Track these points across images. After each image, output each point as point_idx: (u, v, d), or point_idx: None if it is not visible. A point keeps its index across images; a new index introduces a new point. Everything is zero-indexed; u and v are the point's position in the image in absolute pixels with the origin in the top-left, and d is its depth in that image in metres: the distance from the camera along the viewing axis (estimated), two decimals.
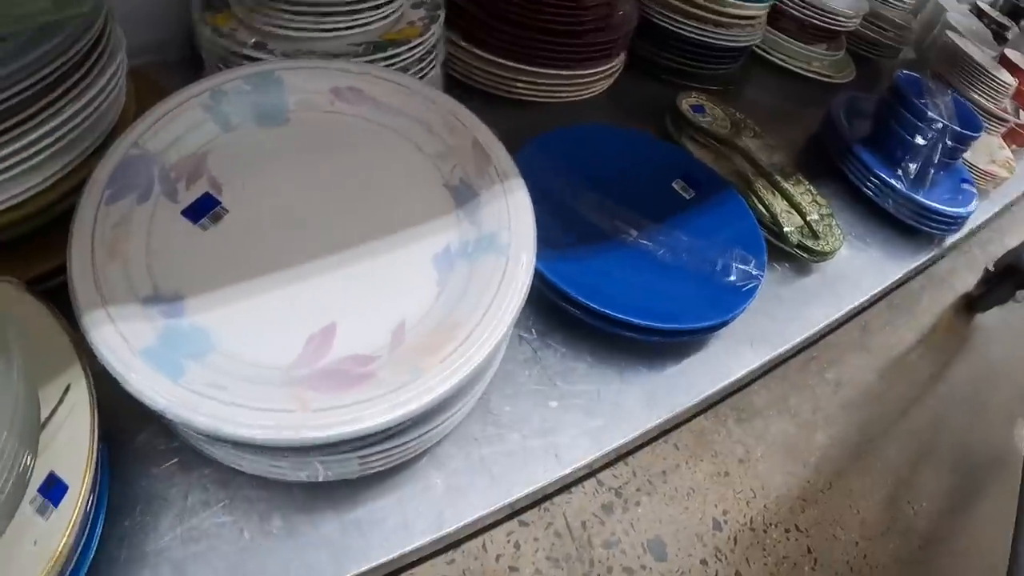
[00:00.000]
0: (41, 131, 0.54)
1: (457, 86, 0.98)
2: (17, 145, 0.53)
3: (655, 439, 0.82)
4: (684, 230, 0.84)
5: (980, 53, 1.48)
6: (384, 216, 0.58)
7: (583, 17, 0.95)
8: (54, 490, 0.46)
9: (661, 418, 0.72)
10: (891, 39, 1.63)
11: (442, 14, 0.86)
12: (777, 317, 0.89)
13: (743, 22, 1.17)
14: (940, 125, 1.09)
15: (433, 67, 0.85)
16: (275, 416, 0.45)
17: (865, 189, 1.13)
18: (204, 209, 0.56)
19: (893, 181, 1.10)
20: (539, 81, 0.97)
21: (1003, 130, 1.48)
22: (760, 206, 0.94)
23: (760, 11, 1.19)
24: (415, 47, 0.78)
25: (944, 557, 0.92)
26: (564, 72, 0.98)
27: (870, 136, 1.17)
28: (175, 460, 0.58)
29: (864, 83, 1.51)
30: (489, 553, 0.70)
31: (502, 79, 0.97)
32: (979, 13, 1.94)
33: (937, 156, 1.11)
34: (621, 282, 0.75)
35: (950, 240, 1.22)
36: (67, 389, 0.49)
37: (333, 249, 0.56)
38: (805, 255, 0.94)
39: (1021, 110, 1.51)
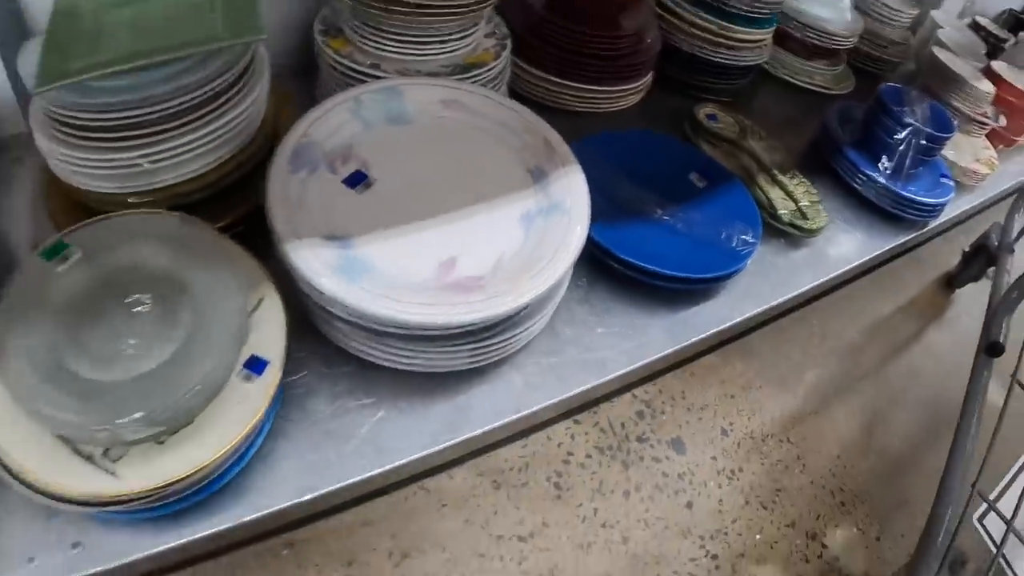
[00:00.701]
0: (216, 124, 0.81)
1: (519, 99, 1.25)
2: (199, 134, 0.80)
3: (675, 366, 1.09)
4: (698, 210, 1.11)
5: (964, 65, 1.71)
6: (485, 189, 0.86)
7: (619, 44, 1.23)
8: (257, 366, 0.73)
9: (679, 345, 0.99)
10: (889, 55, 1.88)
11: (509, 43, 1.14)
12: (772, 280, 1.15)
13: (750, 45, 1.43)
14: (914, 128, 1.35)
15: (502, 84, 1.13)
16: (420, 308, 0.73)
17: (853, 183, 1.39)
18: (357, 180, 0.84)
19: (875, 175, 1.36)
20: (584, 95, 1.26)
21: (986, 131, 1.72)
22: (760, 193, 1.21)
23: (765, 35, 1.46)
24: (490, 68, 1.06)
25: (912, 476, 1.18)
26: (604, 88, 1.26)
27: (858, 139, 1.42)
28: (329, 362, 0.85)
29: (865, 94, 1.75)
30: (552, 441, 0.98)
31: (555, 93, 1.25)
32: (976, 27, 2.18)
33: (911, 153, 1.36)
34: (649, 244, 1.02)
35: (932, 225, 1.46)
36: (260, 300, 0.76)
37: (450, 209, 0.84)
38: (796, 232, 1.20)
39: (1002, 115, 1.75)
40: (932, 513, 0.92)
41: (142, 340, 0.69)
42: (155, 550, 0.69)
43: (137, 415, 0.62)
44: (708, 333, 1.02)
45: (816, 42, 1.64)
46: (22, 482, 0.62)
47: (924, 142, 1.36)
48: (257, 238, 0.80)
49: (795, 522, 1.04)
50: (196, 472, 0.65)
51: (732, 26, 1.38)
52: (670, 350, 0.98)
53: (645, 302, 1.01)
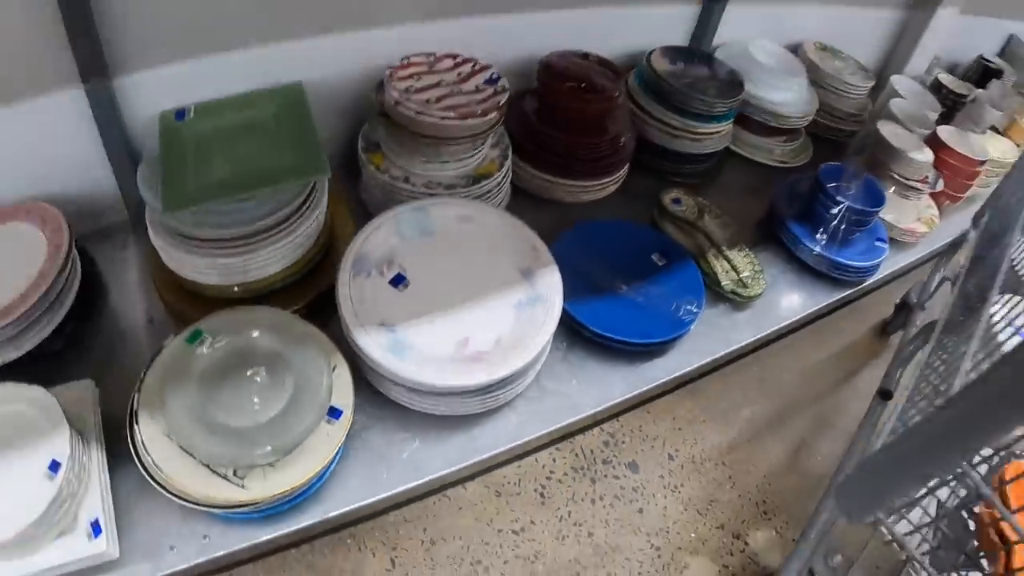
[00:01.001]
0: (294, 233, 1.19)
1: (520, 192, 1.63)
2: (282, 242, 1.18)
3: (634, 407, 1.46)
4: (655, 285, 1.47)
5: (908, 138, 1.96)
6: (488, 285, 1.24)
7: (599, 148, 1.61)
8: (335, 413, 1.11)
9: (634, 392, 1.35)
10: (846, 125, 2.21)
11: (510, 152, 1.52)
12: (715, 337, 1.50)
13: (712, 136, 1.80)
14: (845, 205, 1.68)
15: (506, 183, 1.51)
16: (445, 375, 1.11)
17: (795, 251, 1.73)
18: (398, 281, 1.22)
19: (812, 245, 1.69)
20: (572, 188, 1.63)
21: (925, 194, 2.02)
22: (708, 266, 1.57)
23: (724, 127, 1.82)
24: (495, 178, 1.45)
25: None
26: (587, 182, 1.63)
27: (800, 212, 1.75)
28: (380, 408, 1.23)
29: (824, 161, 2.07)
30: (539, 463, 1.36)
31: (548, 187, 1.63)
32: (937, 87, 2.41)
33: (845, 225, 1.69)
34: (614, 315, 1.38)
35: (868, 282, 1.78)
36: (335, 367, 1.14)
37: (464, 301, 1.21)
38: (737, 298, 1.56)
39: (940, 179, 2.04)
40: (814, 512, 1.28)
41: (261, 399, 1.07)
42: (262, 539, 1.07)
43: (266, 449, 1.01)
44: (657, 383, 1.38)
45: (773, 124, 1.97)
46: (174, 493, 1.00)
47: (855, 216, 1.69)
48: (323, 314, 1.20)
49: (724, 525, 1.41)
50: (296, 486, 1.03)
51: (694, 123, 1.74)
52: (628, 395, 1.35)
53: (610, 359, 1.38)
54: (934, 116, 2.12)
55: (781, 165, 2.04)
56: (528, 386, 1.28)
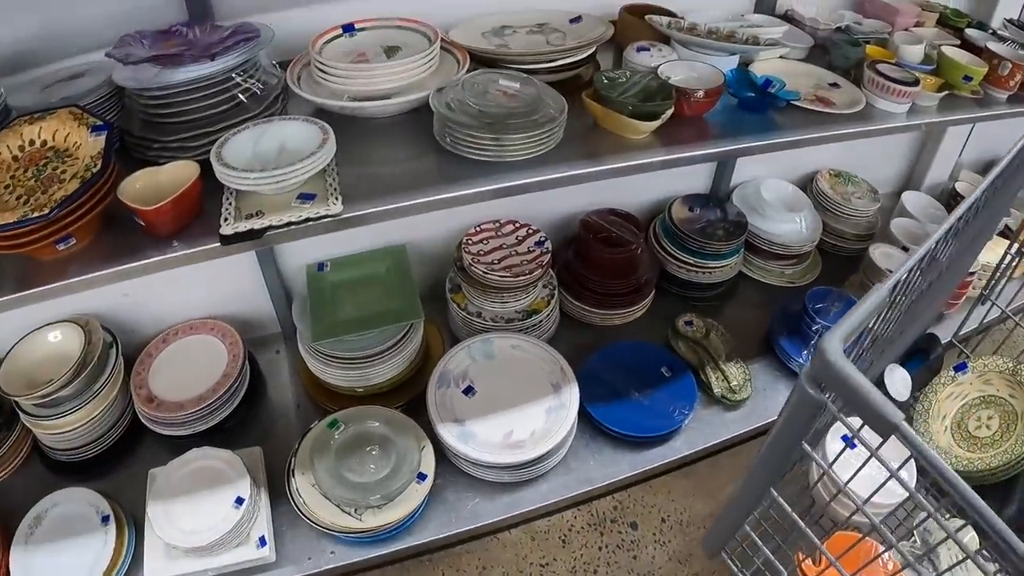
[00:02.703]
0: (400, 355, 2.02)
1: (565, 317, 2.39)
2: (391, 362, 2.01)
3: (639, 482, 2.20)
4: (661, 392, 2.19)
5: (901, 258, 2.48)
6: (529, 395, 2.01)
7: (628, 284, 2.36)
8: (422, 477, 1.88)
9: (639, 470, 2.07)
10: (854, 244, 2.76)
11: (557, 291, 2.30)
12: (706, 432, 2.17)
13: (721, 269, 2.53)
14: (822, 325, 2.30)
15: (554, 314, 2.28)
16: (497, 456, 1.88)
17: (786, 363, 2.37)
18: (469, 391, 2.01)
19: (798, 357, 2.32)
20: (604, 316, 2.39)
21: None
22: (704, 376, 2.28)
23: (733, 261, 2.55)
24: (544, 313, 2.23)
25: None
26: (618, 311, 2.39)
27: (792, 329, 2.38)
28: (453, 475, 2.01)
29: (833, 275, 2.71)
30: (563, 518, 2.12)
31: (587, 314, 2.40)
32: (953, 195, 2.90)
33: None
34: (626, 415, 2.11)
35: None
36: (424, 447, 1.93)
37: (511, 407, 1.99)
38: (727, 402, 2.26)
39: None
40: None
41: (375, 465, 1.87)
42: (370, 556, 1.85)
43: (376, 497, 1.80)
44: (655, 465, 2.09)
45: (779, 252, 2.61)
46: (314, 522, 1.79)
47: None
48: (418, 407, 1.99)
49: (698, 573, 2.14)
50: (394, 522, 1.81)
51: (705, 262, 2.45)
52: (632, 473, 2.06)
53: (620, 447, 2.10)
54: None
55: (790, 285, 2.67)
56: (557, 464, 2.02)
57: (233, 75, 1.50)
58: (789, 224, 2.63)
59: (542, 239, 2.21)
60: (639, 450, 2.12)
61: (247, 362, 2.12)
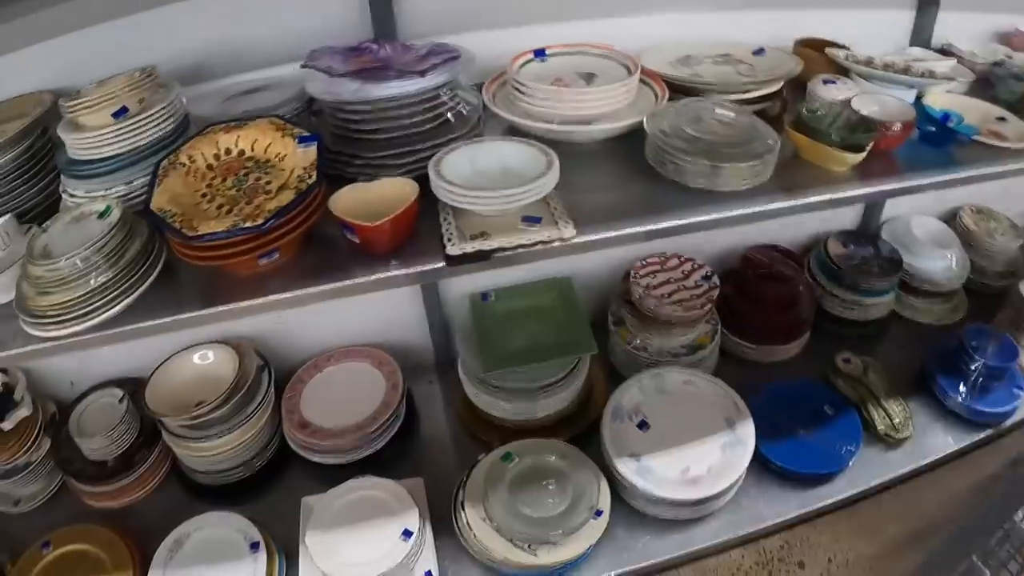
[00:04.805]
0: (566, 390, 2.06)
1: (724, 352, 2.42)
2: (558, 396, 2.05)
3: (805, 521, 2.21)
4: (825, 430, 2.20)
5: None
6: (703, 430, 2.04)
7: (787, 320, 2.39)
8: (598, 514, 1.90)
9: (806, 509, 2.07)
10: (999, 281, 2.75)
11: (719, 329, 2.32)
12: (871, 472, 2.18)
13: (876, 306, 2.53)
14: (982, 362, 2.30)
15: (715, 349, 2.31)
16: (674, 492, 1.91)
17: (942, 400, 2.36)
18: (643, 425, 2.03)
19: (955, 395, 2.31)
20: (764, 351, 2.42)
21: None
22: (867, 414, 2.28)
23: (887, 299, 2.55)
24: (707, 347, 2.25)
25: None
26: (776, 347, 2.41)
27: (946, 366, 2.37)
28: (626, 510, 2.03)
29: (981, 313, 2.69)
30: (731, 557, 2.14)
31: (747, 350, 2.43)
32: None
33: (981, 379, 2.31)
34: (793, 453, 2.12)
35: (1008, 423, 2.37)
36: (599, 482, 1.96)
37: (686, 442, 2.01)
38: (889, 440, 2.26)
39: None
40: None
41: (554, 500, 1.90)
42: None
43: (557, 532, 1.82)
44: (822, 504, 2.10)
45: (929, 289, 2.63)
46: (487, 558, 1.84)
47: (992, 370, 2.29)
48: (583, 440, 2.03)
49: None
50: (569, 558, 1.84)
51: (861, 298, 2.47)
52: (799, 512, 2.07)
53: (788, 485, 2.10)
54: None
55: (938, 323, 2.68)
56: (728, 502, 2.04)
57: (440, 93, 1.56)
58: (940, 261, 2.64)
59: (708, 273, 2.26)
60: (806, 488, 2.13)
61: (406, 393, 2.16)
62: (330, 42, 1.65)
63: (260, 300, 1.30)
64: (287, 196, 1.30)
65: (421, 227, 1.42)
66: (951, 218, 2.89)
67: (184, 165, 1.41)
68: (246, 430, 2.01)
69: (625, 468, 1.94)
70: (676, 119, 1.57)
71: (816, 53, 1.94)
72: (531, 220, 1.40)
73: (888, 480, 2.20)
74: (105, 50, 1.67)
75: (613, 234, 1.40)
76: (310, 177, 1.34)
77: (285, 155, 1.42)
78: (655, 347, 2.24)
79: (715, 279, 2.25)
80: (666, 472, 1.96)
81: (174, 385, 2.03)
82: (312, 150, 1.39)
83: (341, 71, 1.53)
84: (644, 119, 1.57)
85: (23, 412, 2.03)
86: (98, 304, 1.26)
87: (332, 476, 2.02)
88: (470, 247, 1.35)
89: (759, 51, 1.95)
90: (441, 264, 1.35)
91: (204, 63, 1.79)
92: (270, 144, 1.44)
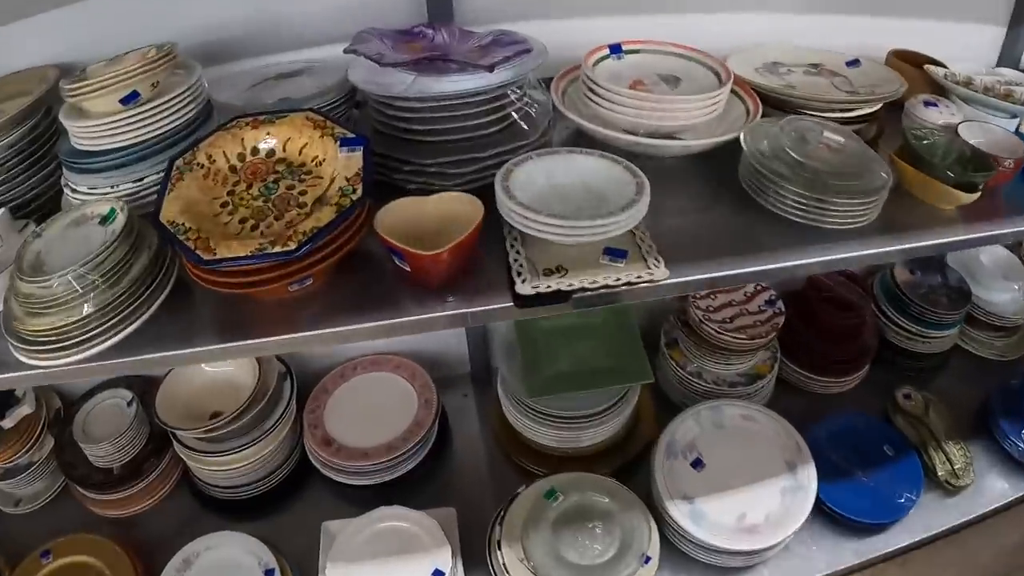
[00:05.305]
0: (617, 418, 1.79)
1: (782, 383, 2.15)
2: (608, 425, 1.78)
3: (858, 570, 1.95)
4: (884, 472, 1.96)
5: None
6: (761, 473, 1.78)
7: (849, 354, 2.13)
8: (647, 561, 1.65)
9: (860, 559, 1.84)
10: None
11: (778, 357, 2.06)
12: (928, 520, 1.94)
13: (942, 338, 2.27)
14: None
15: (773, 379, 2.05)
16: (729, 541, 1.65)
17: (1003, 444, 2.13)
18: (697, 464, 1.77)
19: (1018, 440, 2.07)
20: (823, 383, 2.15)
21: None
22: (927, 458, 2.04)
23: (955, 330, 2.29)
24: (766, 377, 1.99)
25: None
26: (836, 379, 2.15)
27: (1011, 408, 2.16)
28: (671, 558, 1.78)
29: None
30: None
31: (805, 381, 2.16)
32: None
33: None
34: (850, 497, 1.87)
35: None
36: (650, 525, 1.70)
37: (743, 485, 1.75)
38: (949, 487, 2.03)
39: None
40: None
41: (601, 545, 1.64)
42: None
43: None
44: (877, 554, 1.86)
45: (994, 323, 2.38)
46: None
47: None
48: (627, 473, 1.78)
49: None
50: None
51: (927, 330, 2.21)
52: (852, 563, 1.83)
53: (842, 531, 1.85)
54: None
55: (1001, 358, 2.43)
56: (784, 548, 1.79)
57: (509, 91, 1.29)
58: (1007, 293, 2.41)
59: (772, 298, 1.99)
60: (862, 536, 1.89)
61: (440, 410, 1.91)
62: (378, 24, 1.38)
63: (288, 337, 1.06)
64: (327, 214, 1.04)
65: (480, 251, 1.16)
66: (1016, 246, 2.62)
67: (202, 166, 1.14)
68: (265, 444, 1.78)
69: (677, 512, 1.69)
70: (778, 139, 1.30)
71: (913, 69, 1.68)
72: (615, 255, 1.13)
73: (943, 531, 1.98)
74: (118, 21, 1.42)
75: (709, 276, 1.15)
76: (354, 191, 1.08)
77: (324, 160, 1.15)
78: (712, 375, 1.99)
79: (779, 304, 1.99)
80: (721, 518, 1.71)
81: (187, 392, 1.79)
82: (357, 156, 1.13)
83: (392, 60, 1.25)
84: (741, 135, 1.31)
85: (25, 410, 1.83)
86: (96, 331, 1.01)
87: (355, 497, 1.81)
88: (544, 285, 1.09)
89: (853, 62, 1.67)
90: (508, 304, 1.09)
91: (229, 40, 1.53)
92: (306, 145, 1.17)
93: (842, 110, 1.49)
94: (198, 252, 0.97)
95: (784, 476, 1.79)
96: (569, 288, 1.09)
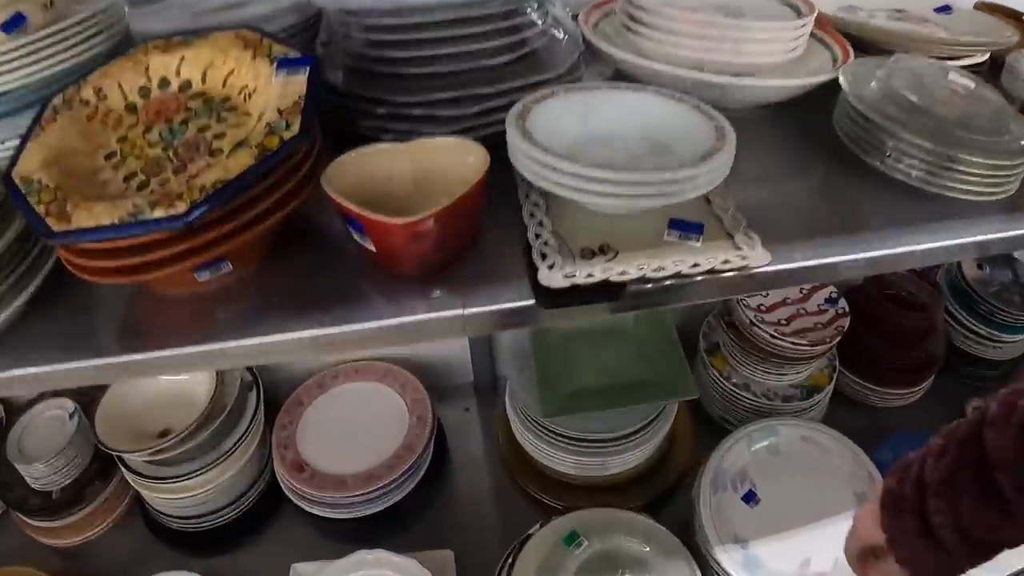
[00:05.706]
0: (651, 441, 1.42)
1: (837, 395, 1.76)
2: (640, 450, 1.40)
3: None
4: None
5: None
6: (826, 507, 1.39)
7: (912, 361, 1.75)
8: None
9: None
10: None
11: (837, 365, 1.67)
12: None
13: (1014, 343, 1.89)
14: None
15: (830, 392, 1.66)
16: None
17: None
18: (750, 498, 1.39)
19: None
20: (885, 394, 1.77)
21: None
22: None
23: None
24: (827, 388, 1.61)
25: None
26: (900, 389, 1.77)
27: None
28: None
29: None
30: None
31: (863, 392, 1.78)
32: None
33: None
34: None
35: None
36: (693, 569, 1.32)
37: (807, 523, 1.37)
38: None
39: None
40: None
41: None
42: None
43: None
44: None
45: None
46: None
47: None
48: (657, 512, 1.43)
49: None
50: None
51: (999, 333, 1.85)
52: None
53: None
54: None
55: None
56: None
57: (526, 6, 0.91)
58: None
59: (833, 295, 1.62)
60: None
61: (436, 429, 1.53)
62: None
63: (192, 349, 0.68)
64: (240, 161, 0.65)
65: (483, 225, 0.79)
66: None
67: (87, 104, 0.76)
68: (225, 468, 1.44)
69: (728, 559, 1.31)
70: (889, 79, 0.92)
71: (1007, 20, 1.34)
72: (687, 229, 0.74)
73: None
74: None
75: (824, 262, 0.77)
76: (288, 127, 0.68)
77: (254, 90, 0.77)
78: (761, 387, 1.61)
79: (842, 303, 1.61)
80: (780, 566, 1.33)
81: (135, 406, 1.44)
82: (300, 81, 0.73)
83: None
84: (840, 75, 0.94)
85: None
86: None
87: (334, 531, 1.49)
88: (584, 273, 0.70)
89: (943, 8, 1.33)
90: (528, 302, 0.71)
91: None
92: (232, 72, 0.79)
93: (952, 57, 1.16)
94: (48, 220, 0.60)
95: (851, 513, 1.41)
96: (622, 277, 0.71)
